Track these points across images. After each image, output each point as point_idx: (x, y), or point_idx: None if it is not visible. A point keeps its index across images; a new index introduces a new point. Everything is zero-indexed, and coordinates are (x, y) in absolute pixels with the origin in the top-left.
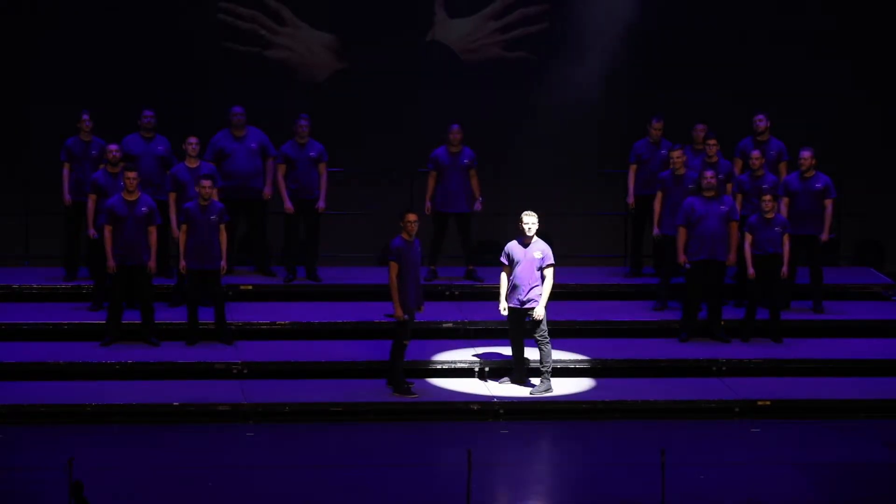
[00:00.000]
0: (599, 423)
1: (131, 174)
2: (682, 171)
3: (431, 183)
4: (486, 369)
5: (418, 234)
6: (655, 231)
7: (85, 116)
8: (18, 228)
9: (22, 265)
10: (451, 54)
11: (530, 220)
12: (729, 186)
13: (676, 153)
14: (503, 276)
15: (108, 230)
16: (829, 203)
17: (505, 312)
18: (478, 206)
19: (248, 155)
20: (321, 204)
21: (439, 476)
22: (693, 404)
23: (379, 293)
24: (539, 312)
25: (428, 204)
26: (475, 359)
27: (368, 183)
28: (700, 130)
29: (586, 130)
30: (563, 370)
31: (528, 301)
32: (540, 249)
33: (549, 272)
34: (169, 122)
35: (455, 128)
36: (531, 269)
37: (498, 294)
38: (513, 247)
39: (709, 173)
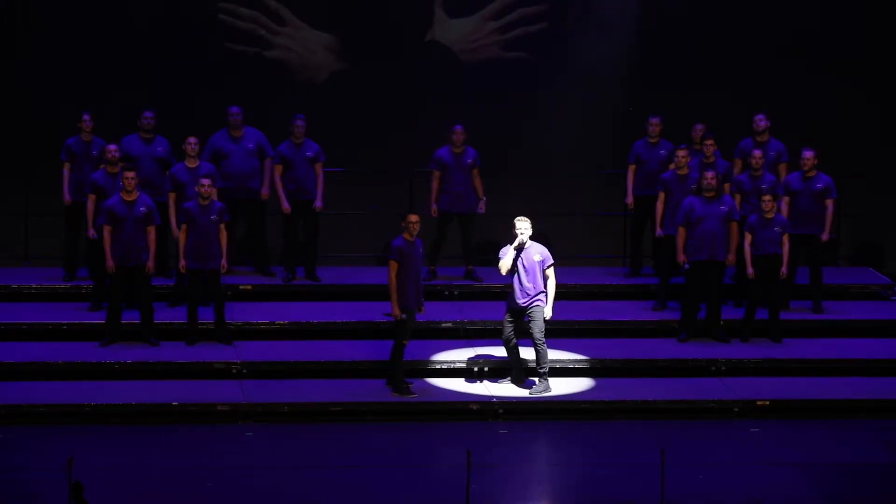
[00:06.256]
0: (599, 423)
1: (130, 174)
2: (685, 171)
3: (436, 184)
4: (486, 369)
5: (420, 235)
6: (658, 232)
7: (86, 117)
8: (18, 228)
9: (22, 265)
10: (450, 54)
11: (523, 226)
12: (727, 186)
13: (682, 152)
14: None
15: (107, 230)
16: (830, 203)
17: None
18: (481, 208)
19: (246, 155)
20: (318, 203)
21: (439, 476)
22: (693, 404)
23: (379, 293)
24: (548, 313)
25: (434, 206)
26: (474, 359)
27: (368, 183)
28: (699, 130)
29: (586, 130)
30: (562, 370)
31: (531, 303)
32: (538, 252)
33: (550, 272)
34: (169, 123)
35: (458, 128)
36: (532, 272)
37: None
38: (508, 250)
39: (709, 174)
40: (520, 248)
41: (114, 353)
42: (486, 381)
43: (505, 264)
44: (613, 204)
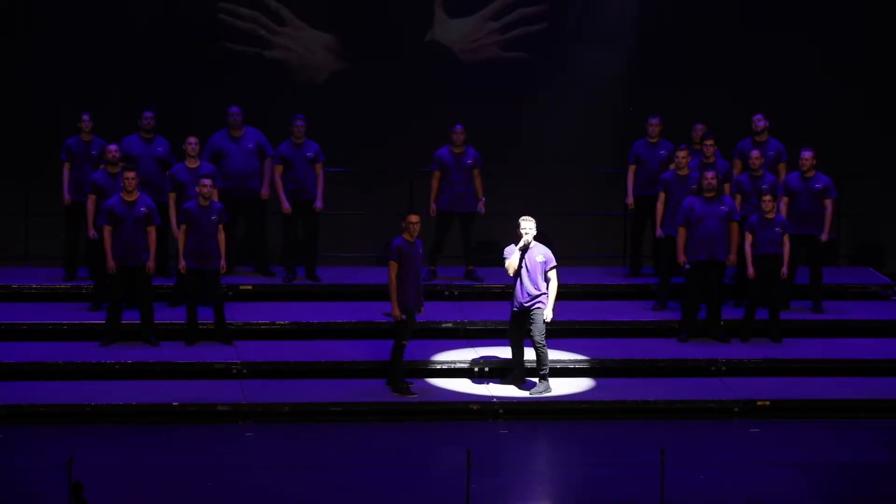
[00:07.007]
0: (599, 423)
1: (130, 174)
2: (685, 171)
3: (435, 184)
4: (486, 369)
5: (420, 235)
6: (658, 232)
7: (85, 117)
8: (18, 228)
9: (22, 265)
10: (450, 54)
11: (528, 226)
12: (727, 186)
13: (683, 153)
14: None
15: (107, 230)
16: (829, 203)
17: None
18: (481, 208)
19: (246, 155)
20: (318, 204)
21: (439, 476)
22: (693, 404)
23: (379, 293)
24: (548, 315)
25: (433, 206)
26: (475, 359)
27: (368, 183)
28: (699, 130)
29: (586, 130)
30: (562, 370)
31: (533, 304)
32: (541, 253)
33: (553, 274)
34: (169, 123)
35: (458, 128)
36: (534, 273)
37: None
38: (512, 250)
39: (709, 174)
40: (525, 249)
41: (114, 353)
42: (486, 382)
43: (512, 264)
44: (613, 204)
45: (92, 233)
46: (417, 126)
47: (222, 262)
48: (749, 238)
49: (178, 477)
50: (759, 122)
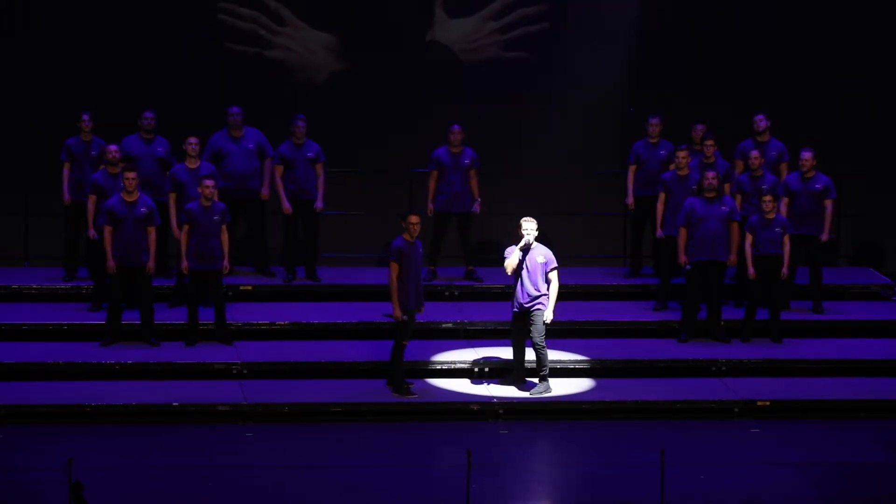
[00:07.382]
0: (599, 423)
1: (130, 175)
2: (685, 171)
3: (433, 184)
4: (486, 370)
5: (420, 235)
6: (659, 233)
7: (85, 117)
8: (18, 228)
9: (22, 265)
10: (450, 54)
11: (530, 226)
12: (727, 187)
13: (683, 153)
14: None
15: (107, 231)
16: (829, 203)
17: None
18: (475, 208)
19: (246, 155)
20: (319, 204)
21: (439, 476)
22: (693, 404)
23: (379, 293)
24: (549, 316)
25: (430, 206)
26: (475, 359)
27: (368, 183)
28: (699, 131)
29: (586, 130)
30: (562, 370)
31: (533, 305)
32: (542, 254)
33: (554, 275)
34: (169, 123)
35: (456, 128)
36: (534, 274)
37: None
38: (513, 250)
39: (710, 174)
40: (525, 249)
41: (114, 353)
42: (486, 382)
43: (511, 264)
44: (613, 204)
45: (92, 233)
46: (417, 126)
47: (225, 262)
48: (749, 238)
49: (178, 477)
50: (761, 122)
